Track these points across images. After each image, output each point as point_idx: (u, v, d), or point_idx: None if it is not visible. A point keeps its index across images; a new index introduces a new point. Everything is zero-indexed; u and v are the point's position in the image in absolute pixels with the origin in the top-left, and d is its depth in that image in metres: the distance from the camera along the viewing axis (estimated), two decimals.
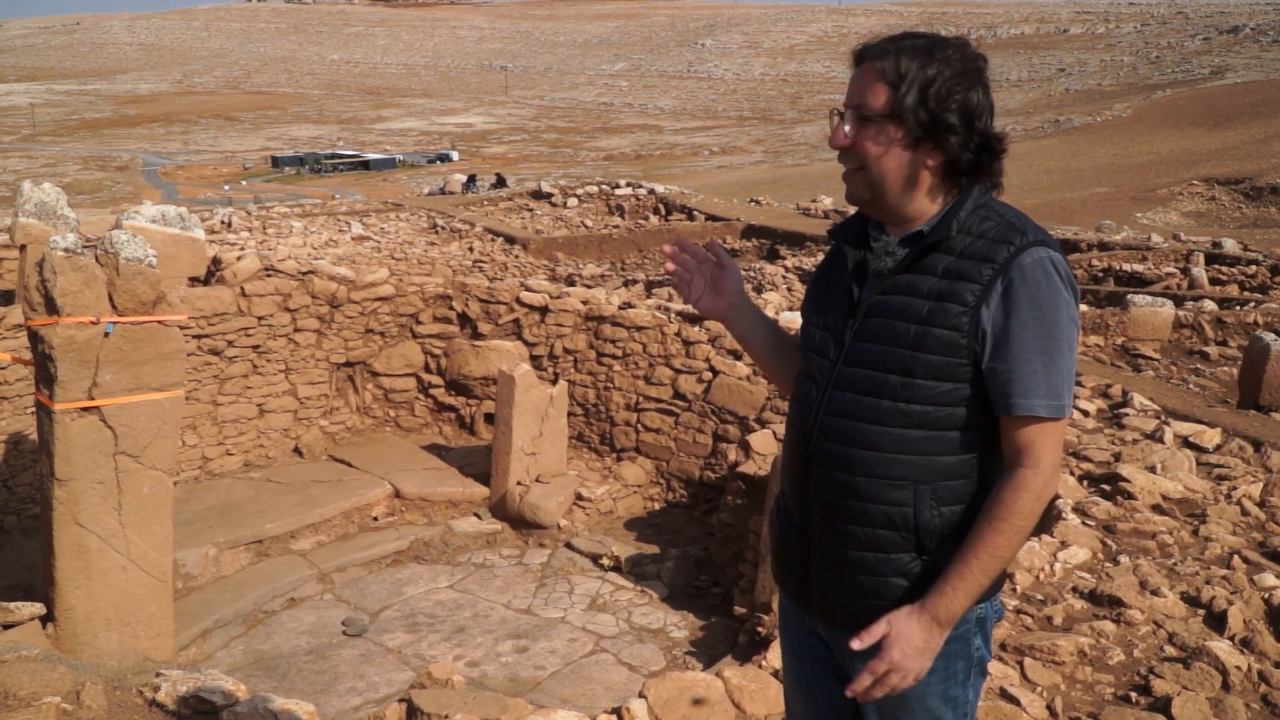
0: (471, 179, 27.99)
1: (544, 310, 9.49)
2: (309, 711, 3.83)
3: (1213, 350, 7.93)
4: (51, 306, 5.03)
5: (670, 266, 2.21)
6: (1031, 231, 1.86)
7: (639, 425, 9.01)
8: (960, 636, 1.98)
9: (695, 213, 17.67)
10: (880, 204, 1.95)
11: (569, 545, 7.96)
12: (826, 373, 1.99)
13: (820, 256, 9.48)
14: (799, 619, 2.19)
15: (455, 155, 78.10)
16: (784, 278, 13.10)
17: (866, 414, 1.91)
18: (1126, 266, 11.87)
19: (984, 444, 1.91)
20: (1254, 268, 11.29)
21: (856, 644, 1.86)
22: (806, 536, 2.04)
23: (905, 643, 1.83)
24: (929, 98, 1.84)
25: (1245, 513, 4.89)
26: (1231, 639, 3.75)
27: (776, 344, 2.27)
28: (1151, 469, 5.30)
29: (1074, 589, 4.19)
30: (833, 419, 1.96)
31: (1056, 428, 1.85)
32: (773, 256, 15.29)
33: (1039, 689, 3.52)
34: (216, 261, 8.81)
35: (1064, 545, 4.54)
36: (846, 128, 1.90)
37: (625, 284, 14.10)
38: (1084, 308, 8.84)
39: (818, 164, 55.45)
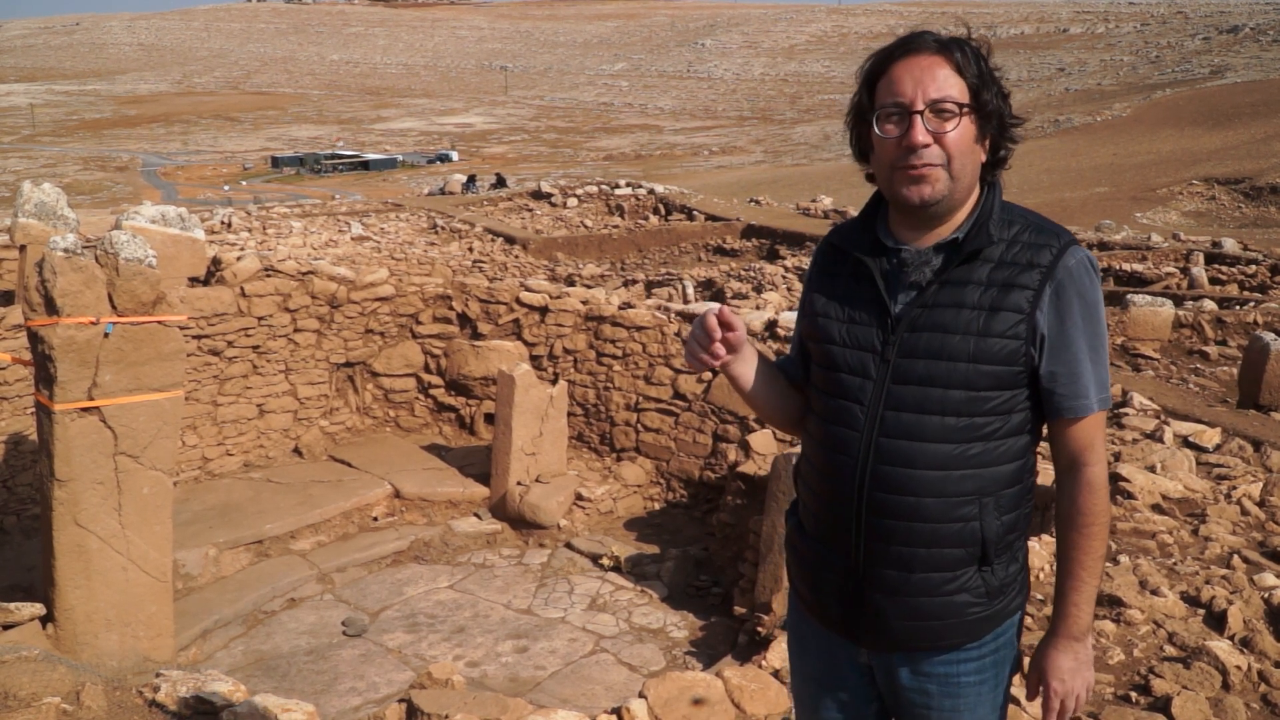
0: (471, 179, 28.01)
1: (544, 310, 9.49)
2: (309, 712, 3.83)
3: (1212, 350, 7.93)
4: (51, 307, 5.03)
5: (720, 356, 1.94)
6: (1061, 231, 1.88)
7: (639, 425, 9.01)
8: (1009, 641, 1.99)
9: (695, 213, 17.67)
10: (948, 202, 1.85)
11: (569, 545, 7.96)
12: (872, 394, 1.89)
13: None
14: (825, 647, 2.09)
15: (455, 155, 78.08)
16: (784, 278, 13.10)
17: (929, 433, 1.84)
18: (1126, 266, 11.87)
19: (1031, 447, 1.94)
20: (1254, 267, 11.30)
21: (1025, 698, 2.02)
22: (859, 563, 1.93)
23: (1059, 672, 1.93)
24: (997, 89, 1.86)
25: (1245, 512, 4.89)
26: (1231, 639, 3.75)
27: (780, 391, 2.10)
28: (1151, 469, 5.30)
29: None
30: (890, 441, 1.87)
31: (1105, 417, 1.92)
32: (773, 256, 15.29)
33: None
34: (216, 262, 8.81)
35: None
36: (926, 125, 1.79)
37: (625, 284, 14.10)
38: None
39: (817, 164, 55.48)
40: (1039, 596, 4.14)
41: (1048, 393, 1.86)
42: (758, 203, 19.32)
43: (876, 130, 1.85)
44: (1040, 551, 4.45)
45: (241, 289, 8.56)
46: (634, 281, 14.19)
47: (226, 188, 62.87)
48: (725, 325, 1.91)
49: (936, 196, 1.83)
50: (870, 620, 1.95)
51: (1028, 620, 3.96)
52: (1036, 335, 1.82)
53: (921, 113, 1.79)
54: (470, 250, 16.16)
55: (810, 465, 2.04)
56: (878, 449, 1.88)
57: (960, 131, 1.81)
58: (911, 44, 1.84)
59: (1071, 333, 1.83)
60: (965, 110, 1.81)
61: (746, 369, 2.03)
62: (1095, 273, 1.87)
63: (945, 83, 1.80)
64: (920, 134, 1.79)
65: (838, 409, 1.94)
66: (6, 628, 5.04)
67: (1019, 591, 1.98)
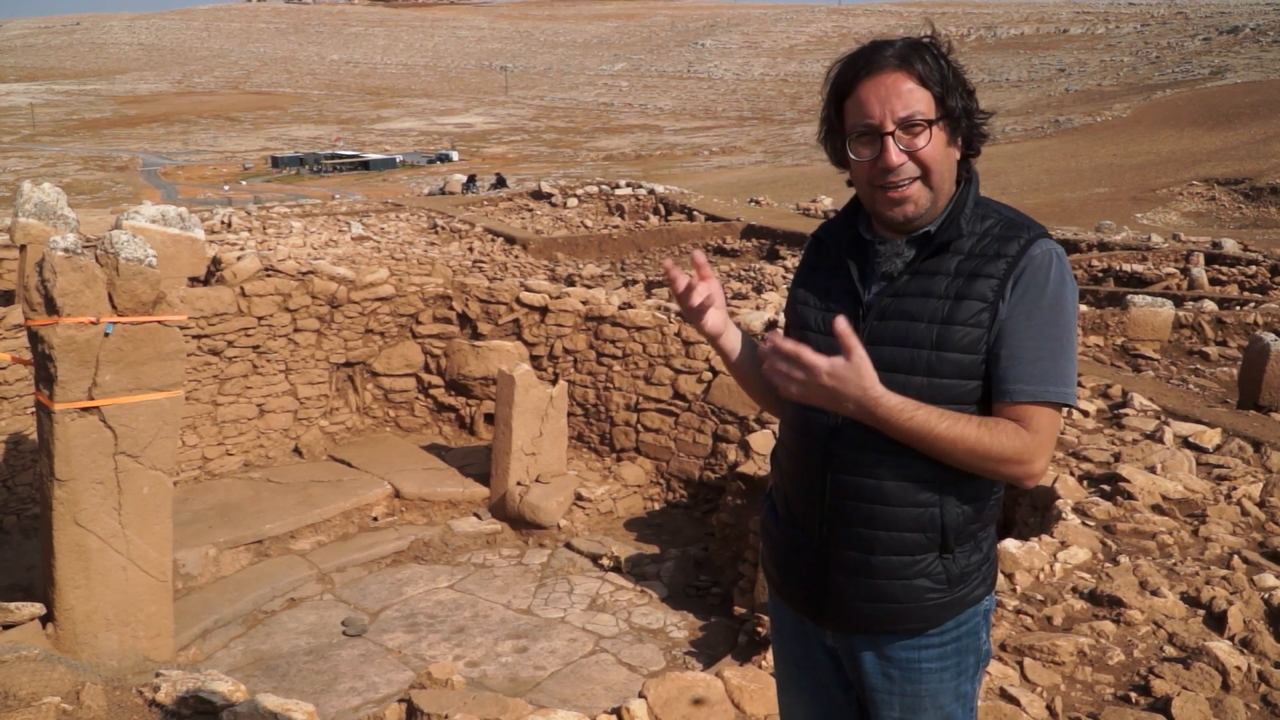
0: (471, 179, 28.07)
1: (544, 310, 9.49)
2: (308, 712, 3.82)
3: (1212, 350, 7.93)
4: (51, 306, 5.03)
5: (691, 284, 1.98)
6: (1033, 225, 1.90)
7: (639, 425, 9.01)
8: (972, 630, 2.00)
9: (695, 213, 17.67)
10: (932, 211, 1.89)
11: (569, 545, 7.96)
12: None
13: None
14: (798, 631, 2.14)
15: (455, 155, 78.09)
16: (784, 278, 13.10)
17: None
18: (1126, 266, 11.87)
19: None
20: (1254, 268, 11.30)
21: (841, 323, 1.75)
22: (822, 544, 1.98)
23: (845, 381, 1.75)
24: (963, 92, 1.87)
25: (1245, 513, 4.89)
26: (1231, 639, 3.75)
27: (754, 353, 2.12)
28: (1151, 469, 5.30)
29: (1074, 589, 4.19)
30: (853, 425, 1.89)
31: (1057, 415, 1.87)
32: (773, 256, 15.30)
33: (1039, 689, 3.52)
34: (216, 261, 8.81)
35: (1064, 545, 4.54)
36: (898, 145, 1.82)
37: (625, 284, 14.11)
38: (1084, 308, 8.85)
39: (817, 164, 55.40)
40: (1039, 596, 4.14)
41: (1000, 378, 1.84)
42: (758, 203, 19.32)
43: (850, 153, 1.89)
44: (1040, 552, 4.46)
45: (241, 289, 8.56)
46: (634, 281, 14.20)
47: (226, 187, 62.84)
48: (699, 269, 1.98)
49: (919, 212, 1.88)
50: (833, 602, 1.99)
51: (1026, 620, 3.97)
52: (997, 323, 1.84)
53: (892, 133, 1.81)
54: (470, 250, 16.16)
55: (784, 448, 2.11)
56: (841, 432, 1.92)
57: (933, 143, 1.83)
58: (874, 62, 1.83)
59: (1034, 323, 1.83)
60: (934, 122, 1.83)
61: (732, 340, 2.11)
62: (1062, 265, 1.86)
63: (911, 98, 1.81)
64: (894, 155, 1.82)
65: None
66: (6, 627, 5.03)
67: (982, 582, 2.00)
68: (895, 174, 1.83)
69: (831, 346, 1.91)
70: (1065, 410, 1.94)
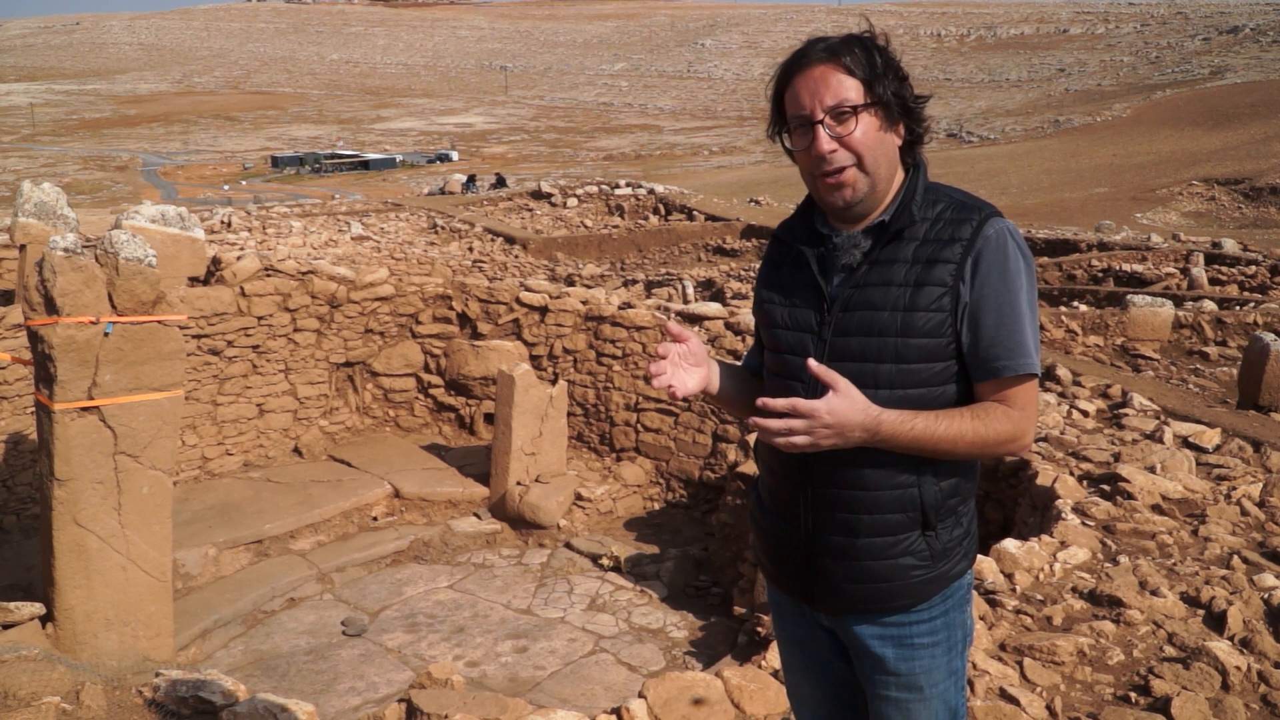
0: (471, 179, 28.09)
1: (544, 310, 9.49)
2: (308, 711, 3.83)
3: (1212, 350, 7.93)
4: (51, 306, 5.03)
5: (661, 374, 2.02)
6: (984, 205, 1.95)
7: (638, 425, 9.01)
8: (958, 605, 2.07)
9: (695, 213, 17.69)
10: (872, 196, 1.95)
11: (569, 545, 7.96)
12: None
13: None
14: (797, 613, 2.21)
15: (455, 155, 78.05)
16: None
17: None
18: (1126, 267, 11.88)
19: None
20: (1254, 268, 11.31)
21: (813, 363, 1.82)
22: (809, 532, 2.04)
23: (842, 415, 1.80)
24: (895, 77, 1.92)
25: (1245, 513, 4.90)
26: (1231, 639, 3.75)
27: (742, 382, 2.24)
28: (1151, 469, 5.31)
29: (1074, 589, 4.19)
30: None
31: (1035, 385, 1.96)
32: None
33: (1038, 689, 3.52)
34: (216, 261, 8.81)
35: (1064, 545, 4.54)
36: (828, 132, 1.88)
37: (625, 284, 14.11)
38: (1084, 308, 8.86)
39: None
40: (1039, 596, 4.14)
41: (971, 358, 1.92)
42: (757, 203, 19.34)
43: (788, 144, 1.97)
44: (1040, 552, 4.46)
45: (241, 289, 8.56)
46: (634, 281, 14.21)
47: (226, 187, 62.81)
48: (675, 338, 2.04)
49: (858, 197, 1.94)
50: (822, 585, 2.06)
51: (1026, 620, 3.96)
52: (959, 305, 1.90)
53: (821, 121, 1.89)
54: (470, 250, 16.17)
55: (764, 443, 2.13)
56: None
57: (863, 129, 1.89)
58: (803, 57, 1.93)
59: (993, 301, 1.89)
60: (862, 108, 1.88)
61: (712, 378, 2.16)
62: (1017, 241, 1.91)
63: (839, 87, 1.88)
64: (824, 142, 1.89)
65: (783, 388, 2.04)
66: (6, 627, 5.03)
67: (964, 556, 2.07)
68: (828, 161, 1.90)
69: (801, 340, 2.01)
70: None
